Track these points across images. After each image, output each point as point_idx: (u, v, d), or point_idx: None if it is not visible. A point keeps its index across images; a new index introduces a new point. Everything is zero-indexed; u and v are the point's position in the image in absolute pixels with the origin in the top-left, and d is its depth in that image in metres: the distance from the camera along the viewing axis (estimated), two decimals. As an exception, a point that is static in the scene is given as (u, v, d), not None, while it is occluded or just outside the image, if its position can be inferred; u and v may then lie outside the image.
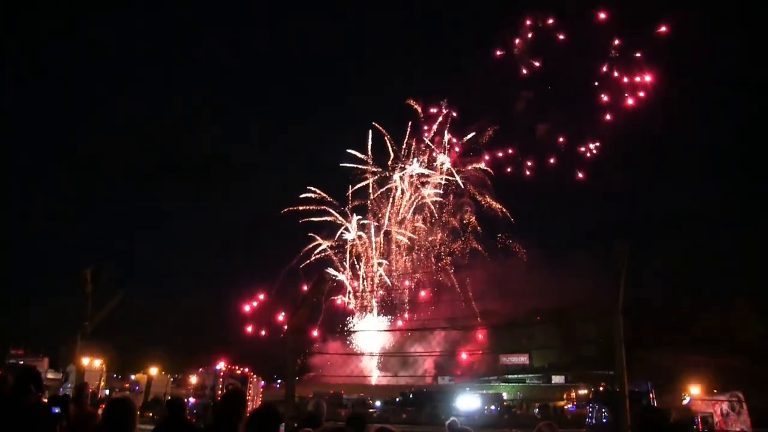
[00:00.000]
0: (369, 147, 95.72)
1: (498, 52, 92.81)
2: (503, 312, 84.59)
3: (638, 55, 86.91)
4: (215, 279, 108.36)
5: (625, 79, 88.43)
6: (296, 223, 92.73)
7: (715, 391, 27.06)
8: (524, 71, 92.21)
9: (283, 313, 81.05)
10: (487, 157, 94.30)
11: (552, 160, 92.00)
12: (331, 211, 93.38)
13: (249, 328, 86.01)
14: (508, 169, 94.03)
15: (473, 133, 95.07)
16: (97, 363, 44.10)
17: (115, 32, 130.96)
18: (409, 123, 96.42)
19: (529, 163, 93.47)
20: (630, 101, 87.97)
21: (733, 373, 52.62)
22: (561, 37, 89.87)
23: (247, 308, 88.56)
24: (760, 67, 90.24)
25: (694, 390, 26.00)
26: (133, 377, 47.93)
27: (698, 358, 65.77)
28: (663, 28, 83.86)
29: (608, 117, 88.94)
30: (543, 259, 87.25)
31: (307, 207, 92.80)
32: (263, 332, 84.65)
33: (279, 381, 60.86)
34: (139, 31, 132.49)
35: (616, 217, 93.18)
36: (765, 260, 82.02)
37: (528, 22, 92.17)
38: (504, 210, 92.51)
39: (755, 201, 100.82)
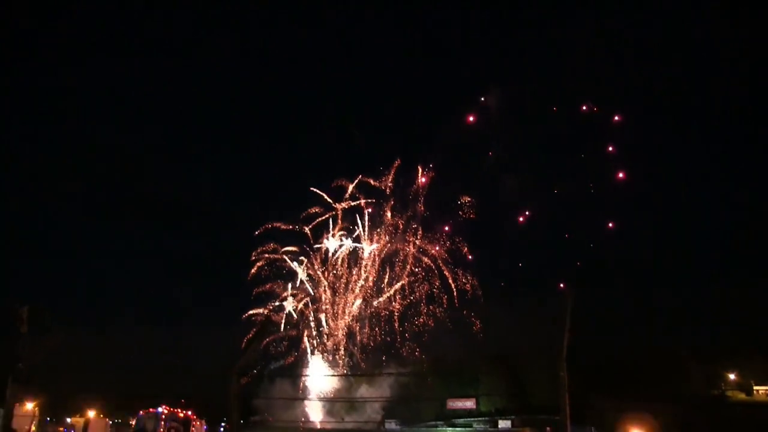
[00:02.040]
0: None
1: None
2: (453, 357, 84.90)
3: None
4: (159, 318, 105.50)
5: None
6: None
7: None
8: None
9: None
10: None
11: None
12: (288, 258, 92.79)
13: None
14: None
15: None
16: (30, 406, 42.36)
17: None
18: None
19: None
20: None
21: (673, 419, 53.69)
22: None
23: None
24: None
25: (638, 435, 26.42)
26: (68, 420, 46.03)
27: (640, 405, 66.92)
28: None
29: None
30: (497, 305, 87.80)
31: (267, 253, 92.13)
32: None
33: (223, 425, 59.39)
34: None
35: (570, 264, 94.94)
36: (707, 315, 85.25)
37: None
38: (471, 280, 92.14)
39: (706, 261, 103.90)
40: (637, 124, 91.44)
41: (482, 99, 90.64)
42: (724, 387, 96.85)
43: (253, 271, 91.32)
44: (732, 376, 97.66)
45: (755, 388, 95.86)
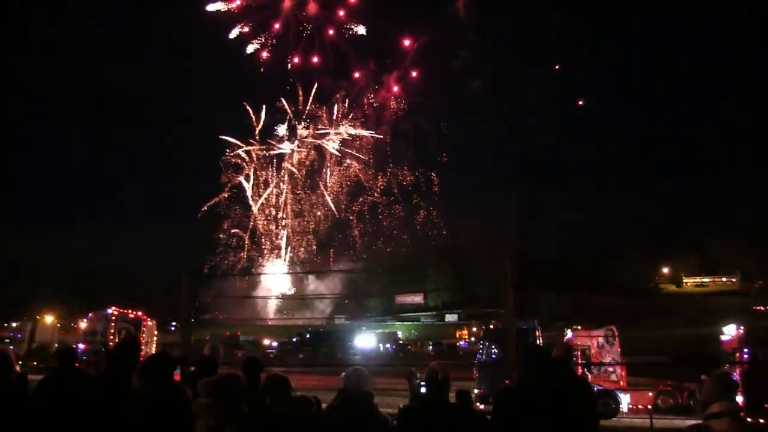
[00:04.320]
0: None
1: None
2: (403, 253, 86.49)
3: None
4: (109, 219, 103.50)
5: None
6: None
7: (592, 326, 28.97)
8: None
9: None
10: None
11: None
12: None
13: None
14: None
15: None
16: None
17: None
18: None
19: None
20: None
21: (610, 309, 56.39)
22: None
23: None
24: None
25: (576, 326, 27.71)
26: (14, 324, 45.58)
27: (580, 297, 69.97)
28: None
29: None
30: (446, 202, 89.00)
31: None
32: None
33: (174, 324, 59.86)
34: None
35: (520, 164, 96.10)
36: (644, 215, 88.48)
37: None
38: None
39: (649, 163, 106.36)
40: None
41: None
42: (657, 280, 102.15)
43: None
44: (665, 270, 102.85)
45: (684, 280, 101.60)
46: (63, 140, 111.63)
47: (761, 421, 19.13)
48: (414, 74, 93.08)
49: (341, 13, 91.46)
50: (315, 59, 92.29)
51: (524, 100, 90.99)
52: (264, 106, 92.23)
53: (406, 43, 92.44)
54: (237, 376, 4.65)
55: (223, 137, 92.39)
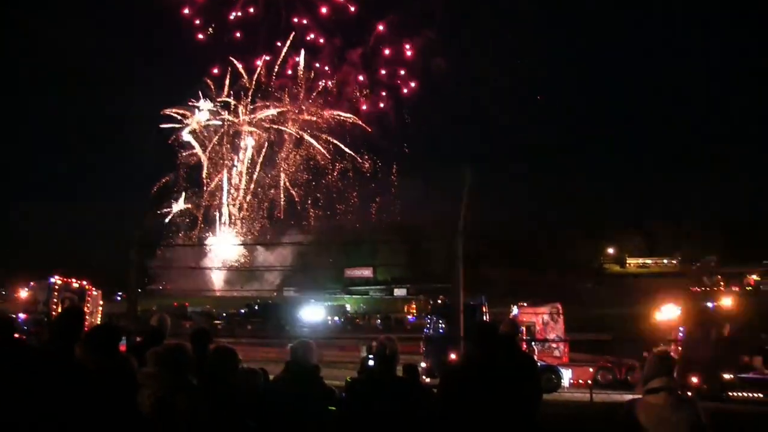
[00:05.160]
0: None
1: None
2: (353, 227, 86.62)
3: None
4: (57, 191, 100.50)
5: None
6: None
7: (538, 302, 29.60)
8: None
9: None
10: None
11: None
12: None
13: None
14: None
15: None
16: None
17: None
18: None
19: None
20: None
21: (555, 287, 57.58)
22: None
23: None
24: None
25: (522, 303, 28.19)
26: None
27: (527, 275, 71.23)
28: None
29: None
30: (399, 179, 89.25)
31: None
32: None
33: (120, 294, 58.71)
34: None
35: (472, 143, 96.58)
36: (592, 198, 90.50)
37: None
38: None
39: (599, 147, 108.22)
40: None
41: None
42: (603, 260, 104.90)
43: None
44: (610, 250, 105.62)
45: (628, 261, 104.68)
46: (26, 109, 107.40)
47: (689, 393, 20.02)
48: (384, 52, 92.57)
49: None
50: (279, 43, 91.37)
51: (483, 81, 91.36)
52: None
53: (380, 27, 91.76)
54: (184, 346, 4.62)
55: (171, 111, 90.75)
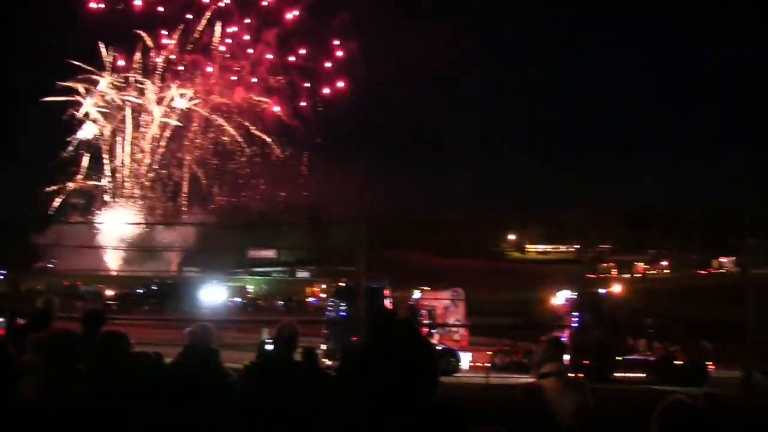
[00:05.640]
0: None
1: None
2: (258, 208, 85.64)
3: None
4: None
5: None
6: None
7: (440, 287, 30.25)
8: None
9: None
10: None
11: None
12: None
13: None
14: None
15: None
16: None
17: None
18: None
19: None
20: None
21: (458, 272, 58.98)
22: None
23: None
24: None
25: (424, 287, 28.73)
26: None
27: (430, 260, 72.68)
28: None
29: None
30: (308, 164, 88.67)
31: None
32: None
33: (2, 272, 55.67)
34: None
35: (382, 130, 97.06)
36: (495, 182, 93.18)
37: None
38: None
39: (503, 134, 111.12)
40: None
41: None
42: (504, 245, 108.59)
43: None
44: (511, 237, 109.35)
45: (527, 248, 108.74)
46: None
47: (581, 375, 21.09)
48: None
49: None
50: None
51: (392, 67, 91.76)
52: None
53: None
54: (71, 332, 4.39)
55: (70, 85, 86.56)
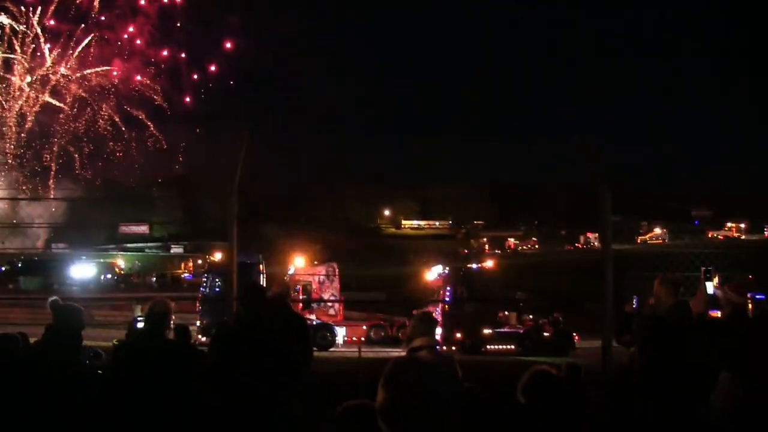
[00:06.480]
0: None
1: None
2: (127, 182, 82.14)
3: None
4: None
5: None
6: None
7: (315, 262, 30.43)
8: None
9: None
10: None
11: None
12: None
13: None
14: None
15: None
16: None
17: None
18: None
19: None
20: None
21: (333, 247, 59.45)
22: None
23: None
24: None
25: (299, 262, 28.74)
26: None
27: (306, 234, 72.75)
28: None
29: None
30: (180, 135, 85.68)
31: None
32: None
33: None
34: None
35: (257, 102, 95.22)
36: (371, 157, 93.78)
37: None
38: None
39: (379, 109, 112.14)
40: None
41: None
42: (380, 221, 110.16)
43: None
44: (387, 212, 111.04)
45: (403, 223, 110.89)
46: None
47: (453, 348, 21.99)
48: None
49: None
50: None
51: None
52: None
53: None
54: None
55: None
